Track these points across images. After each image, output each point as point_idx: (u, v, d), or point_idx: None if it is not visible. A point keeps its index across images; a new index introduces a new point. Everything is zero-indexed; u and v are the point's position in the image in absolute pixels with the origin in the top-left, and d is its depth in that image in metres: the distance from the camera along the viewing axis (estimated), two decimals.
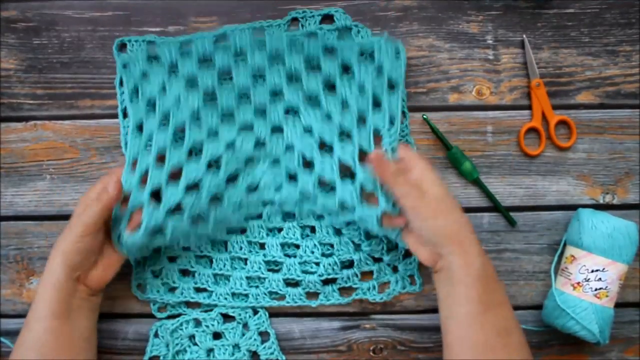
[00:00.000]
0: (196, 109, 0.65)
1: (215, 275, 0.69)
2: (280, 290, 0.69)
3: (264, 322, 0.69)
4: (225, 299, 0.69)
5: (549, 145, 0.70)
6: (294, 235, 0.69)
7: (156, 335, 0.69)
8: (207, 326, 0.69)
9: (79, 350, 0.61)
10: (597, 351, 0.70)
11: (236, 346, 0.69)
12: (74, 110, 0.71)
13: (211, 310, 0.69)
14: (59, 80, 0.71)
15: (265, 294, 0.69)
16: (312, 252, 0.69)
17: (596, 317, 0.64)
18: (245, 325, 0.69)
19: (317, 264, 0.69)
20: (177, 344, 0.68)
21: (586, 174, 0.70)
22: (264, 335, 0.69)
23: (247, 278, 0.69)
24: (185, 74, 0.66)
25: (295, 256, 0.69)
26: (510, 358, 0.56)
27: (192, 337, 0.69)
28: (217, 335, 0.69)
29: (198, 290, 0.69)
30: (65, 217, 0.69)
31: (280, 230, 0.69)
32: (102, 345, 0.69)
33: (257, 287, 0.69)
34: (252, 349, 0.69)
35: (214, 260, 0.69)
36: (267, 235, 0.69)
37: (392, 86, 0.66)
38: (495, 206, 0.70)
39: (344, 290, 0.70)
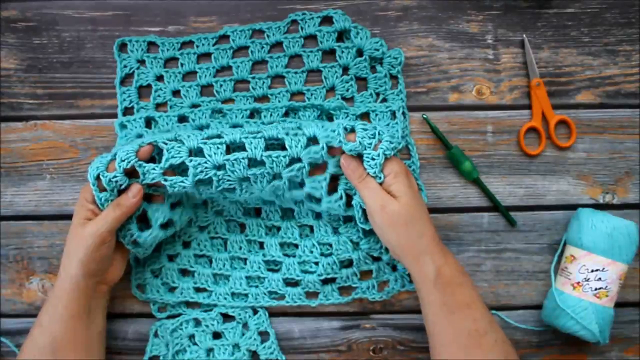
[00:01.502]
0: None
1: (214, 275, 0.69)
2: (280, 290, 0.69)
3: (263, 321, 0.69)
4: (225, 298, 0.69)
5: (548, 144, 0.70)
6: (292, 235, 0.69)
7: (156, 335, 0.69)
8: (206, 326, 0.69)
9: (96, 347, 0.63)
10: (597, 351, 0.70)
11: (236, 346, 0.69)
12: (73, 109, 0.71)
13: (211, 310, 0.69)
14: (59, 80, 0.71)
15: (264, 294, 0.69)
16: (311, 252, 0.69)
17: (596, 316, 0.64)
18: (245, 325, 0.69)
19: (316, 263, 0.69)
20: (176, 344, 0.68)
21: (586, 174, 0.70)
22: (263, 335, 0.69)
23: (247, 278, 0.69)
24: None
25: (294, 256, 0.69)
26: (485, 358, 0.57)
27: (191, 337, 0.69)
28: (217, 335, 0.69)
29: (198, 290, 0.69)
30: (65, 216, 0.70)
31: (278, 229, 0.70)
32: None
33: (256, 286, 0.69)
34: (252, 349, 0.69)
35: (213, 260, 0.69)
36: (266, 234, 0.70)
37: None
38: (495, 206, 0.70)
39: (344, 290, 0.70)
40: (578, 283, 0.65)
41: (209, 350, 0.69)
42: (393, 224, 0.59)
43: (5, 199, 0.71)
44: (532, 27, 0.71)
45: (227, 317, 0.69)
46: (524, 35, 0.70)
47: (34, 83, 0.71)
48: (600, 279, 0.64)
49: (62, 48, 0.71)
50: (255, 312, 0.69)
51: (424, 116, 0.69)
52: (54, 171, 0.70)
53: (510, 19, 0.71)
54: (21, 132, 0.71)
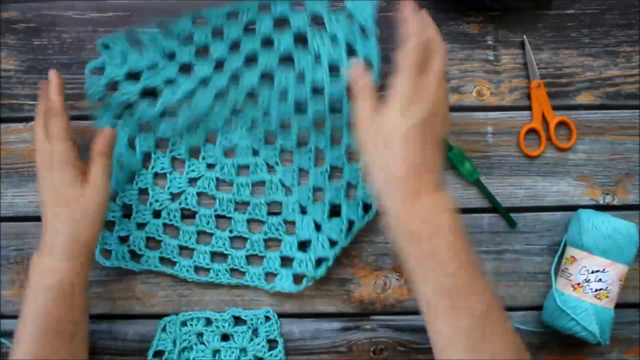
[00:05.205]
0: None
1: (180, 246, 0.69)
2: (242, 267, 0.69)
3: (274, 330, 0.69)
4: (187, 271, 0.69)
5: (549, 146, 0.70)
6: (260, 211, 0.69)
7: (164, 330, 0.69)
8: (217, 327, 0.69)
9: (84, 315, 0.62)
10: (597, 352, 0.70)
11: (243, 350, 0.69)
12: (73, 111, 0.70)
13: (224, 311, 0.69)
14: None
15: (226, 270, 0.69)
16: (277, 229, 0.69)
17: (596, 317, 0.64)
18: (255, 331, 0.69)
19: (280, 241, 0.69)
20: (184, 340, 0.68)
21: (586, 175, 0.70)
22: (272, 343, 0.69)
23: (211, 253, 0.69)
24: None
25: (260, 232, 0.70)
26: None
27: (200, 335, 0.69)
28: (225, 337, 0.69)
29: (162, 260, 0.69)
30: None
31: (248, 204, 0.70)
32: (102, 345, 0.69)
33: (219, 263, 0.70)
34: (259, 355, 0.69)
35: (180, 231, 0.70)
36: (235, 210, 0.70)
37: (364, 31, 0.67)
38: (495, 207, 0.70)
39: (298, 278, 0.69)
40: (578, 284, 0.65)
41: (216, 352, 0.69)
42: (386, 139, 0.53)
43: (6, 200, 0.70)
44: (532, 28, 0.71)
45: (238, 321, 0.69)
46: (524, 37, 0.70)
47: (34, 84, 0.71)
48: (600, 280, 0.64)
49: (62, 49, 0.71)
50: (267, 318, 0.69)
51: None
52: None
53: (511, 20, 0.71)
54: (21, 133, 0.71)
